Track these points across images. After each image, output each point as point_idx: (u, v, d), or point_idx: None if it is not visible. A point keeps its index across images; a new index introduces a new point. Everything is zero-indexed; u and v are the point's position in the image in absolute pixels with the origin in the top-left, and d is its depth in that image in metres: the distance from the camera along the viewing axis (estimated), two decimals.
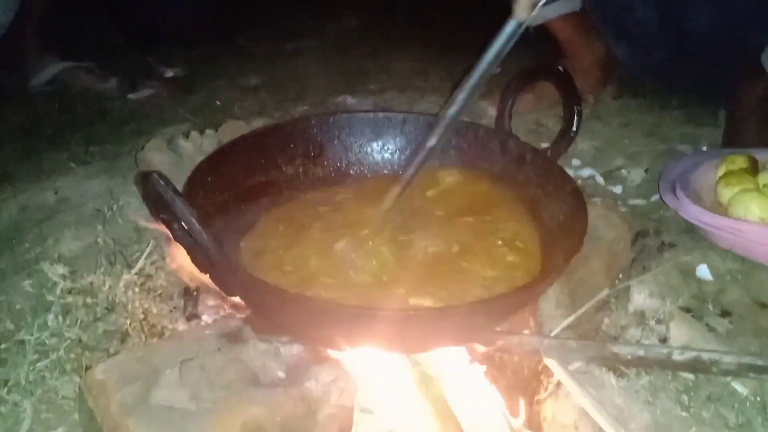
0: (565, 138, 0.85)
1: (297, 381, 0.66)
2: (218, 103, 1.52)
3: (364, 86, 1.59)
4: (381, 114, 0.95)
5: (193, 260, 0.67)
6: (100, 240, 0.93)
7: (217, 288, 0.77)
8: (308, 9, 2.25)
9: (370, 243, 0.76)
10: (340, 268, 0.74)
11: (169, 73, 1.70)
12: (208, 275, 0.67)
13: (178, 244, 0.66)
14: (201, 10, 1.93)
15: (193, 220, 0.59)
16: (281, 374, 0.68)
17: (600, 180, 1.15)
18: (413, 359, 0.75)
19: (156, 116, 1.45)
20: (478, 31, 2.03)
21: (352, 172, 0.94)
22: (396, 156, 0.95)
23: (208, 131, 1.03)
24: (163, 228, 0.93)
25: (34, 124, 1.41)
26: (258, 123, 1.28)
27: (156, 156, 0.97)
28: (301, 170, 0.92)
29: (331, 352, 0.71)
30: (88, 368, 0.75)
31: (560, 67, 0.86)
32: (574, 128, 0.84)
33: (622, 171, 1.17)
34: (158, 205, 0.61)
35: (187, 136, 1.03)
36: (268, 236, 0.81)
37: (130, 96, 1.57)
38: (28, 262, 0.94)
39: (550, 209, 0.81)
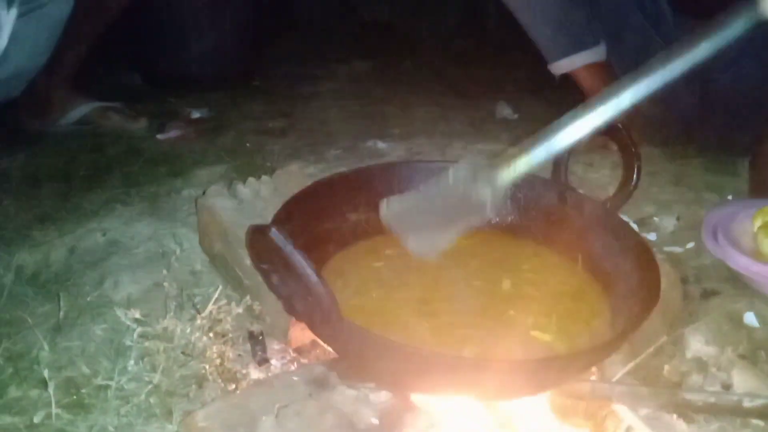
0: (623, 191, 0.89)
1: (392, 428, 0.69)
2: (248, 145, 1.54)
3: (388, 131, 1.63)
4: (442, 164, 0.98)
5: (292, 310, 0.69)
6: (166, 284, 0.95)
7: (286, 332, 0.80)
8: (318, 52, 2.30)
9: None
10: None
11: (196, 114, 1.72)
12: (305, 322, 0.70)
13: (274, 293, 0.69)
14: (219, 53, 1.96)
15: (312, 272, 0.62)
16: (375, 421, 0.70)
17: (635, 227, 1.19)
18: (492, 405, 0.77)
19: (189, 157, 1.47)
20: (488, 78, 2.11)
21: None
22: None
23: (264, 177, 1.05)
24: (225, 272, 0.97)
25: (68, 164, 1.42)
26: (296, 165, 1.30)
27: (219, 202, 0.99)
28: (363, 218, 0.95)
29: (416, 399, 0.73)
30: (171, 412, 0.77)
31: (620, 124, 0.90)
32: (634, 182, 0.88)
33: (654, 219, 1.22)
34: (270, 258, 0.64)
35: (230, 181, 1.06)
36: (343, 280, 0.84)
37: (159, 137, 1.59)
38: (91, 305, 0.95)
39: (613, 262, 0.85)
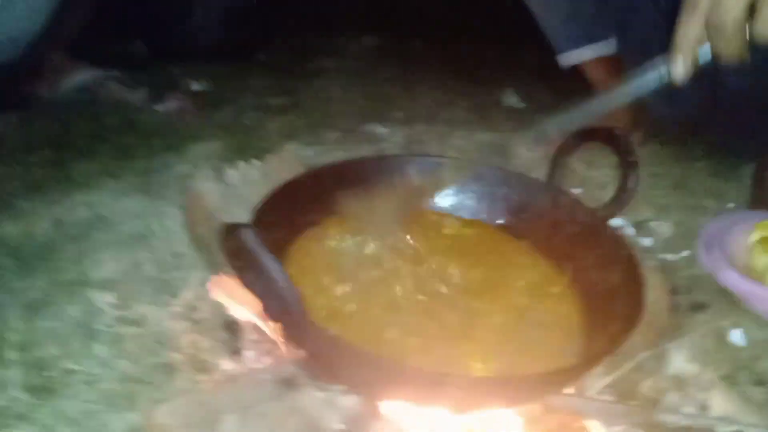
0: (618, 200, 0.87)
1: None
2: (247, 122, 1.52)
3: (390, 114, 1.60)
4: (438, 158, 0.97)
5: (266, 309, 0.67)
6: (145, 266, 0.93)
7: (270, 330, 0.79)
8: (327, 26, 2.26)
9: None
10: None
11: (195, 87, 1.69)
12: (278, 324, 0.68)
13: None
14: (224, 24, 1.93)
15: (284, 276, 0.60)
16: (341, 426, 0.68)
17: (631, 231, 1.17)
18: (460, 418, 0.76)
19: (184, 131, 1.45)
20: (497, 62, 2.06)
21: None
22: (450, 199, 0.96)
23: (254, 161, 1.04)
24: (207, 257, 0.95)
25: (62, 132, 1.40)
26: (291, 148, 1.28)
27: (206, 187, 0.97)
28: (351, 212, 0.92)
29: (385, 406, 0.72)
30: (136, 402, 0.75)
31: (617, 131, 0.87)
32: (629, 192, 0.86)
33: (651, 224, 1.19)
34: (242, 257, 0.62)
35: (222, 161, 1.04)
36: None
37: (157, 108, 1.57)
38: (69, 284, 0.94)
39: (600, 274, 0.83)
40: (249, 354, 0.85)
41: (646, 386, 0.84)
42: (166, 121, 1.50)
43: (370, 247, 0.87)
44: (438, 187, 0.94)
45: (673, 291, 1.01)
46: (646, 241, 1.15)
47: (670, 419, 0.74)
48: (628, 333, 0.69)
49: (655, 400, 0.82)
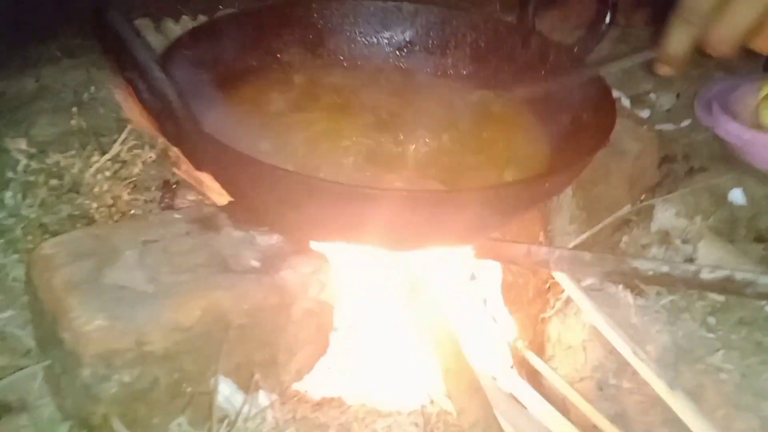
0: (594, 32, 0.75)
1: (272, 270, 0.59)
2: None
3: None
4: (391, 3, 0.85)
5: (161, 129, 0.58)
6: (74, 123, 0.85)
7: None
8: None
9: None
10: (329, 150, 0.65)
11: None
12: (178, 148, 0.59)
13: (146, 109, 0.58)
14: None
15: (157, 67, 0.51)
16: (255, 263, 0.60)
17: (626, 103, 1.05)
18: (402, 259, 0.66)
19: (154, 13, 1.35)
20: None
21: (346, 64, 0.84)
22: (405, 52, 0.86)
23: (201, 17, 0.94)
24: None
25: (25, 14, 1.32)
26: None
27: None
28: (297, 59, 0.83)
29: (314, 246, 0.63)
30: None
31: None
32: (607, 21, 0.74)
33: (651, 95, 1.07)
34: (118, 52, 0.53)
35: (177, 21, 0.94)
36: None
37: None
38: None
39: (572, 110, 0.72)
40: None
41: (625, 241, 0.74)
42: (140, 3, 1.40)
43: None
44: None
45: (669, 158, 0.90)
46: (644, 113, 1.03)
47: (647, 266, 0.63)
48: (602, 145, 0.59)
49: (634, 255, 0.72)
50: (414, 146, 0.67)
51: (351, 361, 0.66)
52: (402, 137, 0.67)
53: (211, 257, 0.59)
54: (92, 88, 0.99)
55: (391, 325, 0.66)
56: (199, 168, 0.62)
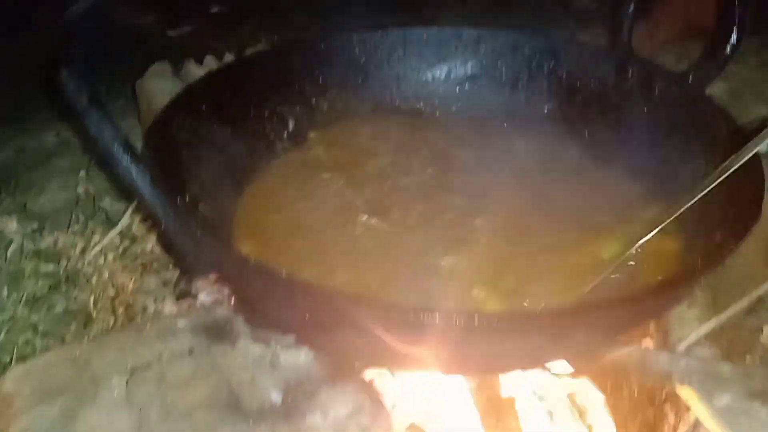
0: (715, 57, 0.58)
1: (296, 411, 0.44)
2: (262, 41, 1.30)
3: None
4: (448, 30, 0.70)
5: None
6: (80, 190, 0.73)
7: None
8: None
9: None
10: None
11: (214, 9, 1.49)
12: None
13: None
14: None
15: (120, 149, 0.37)
16: (275, 397, 0.45)
17: (763, 147, 0.86)
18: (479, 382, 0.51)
19: (193, 54, 1.25)
20: None
21: (401, 106, 0.69)
22: (466, 87, 0.70)
23: (228, 55, 0.81)
24: None
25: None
26: None
27: (158, 84, 0.75)
28: (336, 103, 0.68)
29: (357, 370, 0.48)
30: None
31: None
32: (732, 42, 0.56)
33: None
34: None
35: (201, 62, 0.81)
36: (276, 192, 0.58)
37: (170, 32, 1.38)
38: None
39: (692, 166, 0.54)
40: (205, 299, 0.63)
41: (766, 335, 0.56)
42: (176, 45, 1.30)
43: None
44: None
45: None
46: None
47: None
48: (740, 238, 0.42)
49: None
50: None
51: None
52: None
53: (217, 390, 0.45)
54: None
55: None
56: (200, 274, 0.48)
